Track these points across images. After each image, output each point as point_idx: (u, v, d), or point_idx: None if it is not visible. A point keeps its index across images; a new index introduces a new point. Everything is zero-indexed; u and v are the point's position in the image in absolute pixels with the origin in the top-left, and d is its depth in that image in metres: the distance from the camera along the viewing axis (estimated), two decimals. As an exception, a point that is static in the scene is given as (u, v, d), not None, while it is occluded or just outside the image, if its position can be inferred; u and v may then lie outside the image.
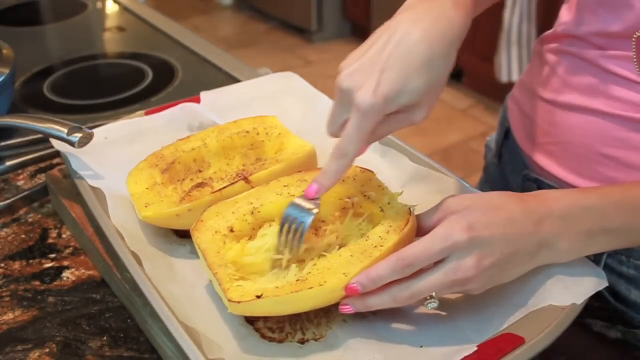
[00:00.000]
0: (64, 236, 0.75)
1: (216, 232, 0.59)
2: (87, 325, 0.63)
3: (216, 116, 0.83)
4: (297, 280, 0.53)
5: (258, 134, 0.75)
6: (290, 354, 0.54)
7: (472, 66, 3.07)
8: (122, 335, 0.62)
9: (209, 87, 0.88)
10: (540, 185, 0.77)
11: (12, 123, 0.78)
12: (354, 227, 0.61)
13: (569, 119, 0.71)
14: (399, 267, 0.52)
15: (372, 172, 0.65)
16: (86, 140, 0.72)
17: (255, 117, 0.77)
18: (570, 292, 0.55)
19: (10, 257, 0.72)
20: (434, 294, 0.53)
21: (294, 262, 0.57)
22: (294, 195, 0.62)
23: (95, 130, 0.75)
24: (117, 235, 0.62)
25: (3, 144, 0.91)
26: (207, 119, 0.82)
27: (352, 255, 0.55)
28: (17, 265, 0.71)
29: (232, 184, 0.66)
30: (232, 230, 0.60)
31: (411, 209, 0.59)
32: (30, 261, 0.72)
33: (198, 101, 0.85)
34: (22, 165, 0.89)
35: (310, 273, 0.54)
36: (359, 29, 3.81)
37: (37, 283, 0.69)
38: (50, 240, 0.75)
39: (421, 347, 0.54)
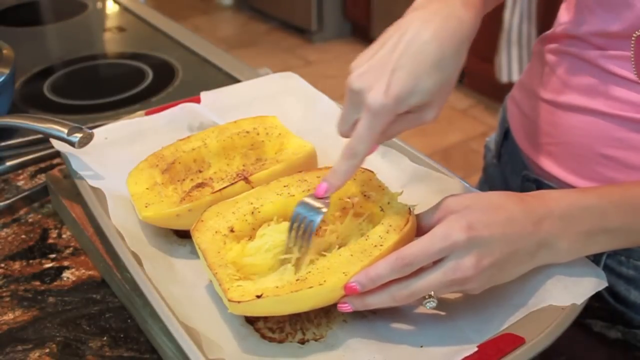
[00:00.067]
0: (64, 236, 0.75)
1: (216, 232, 0.59)
2: (87, 325, 0.63)
3: (216, 116, 0.83)
4: (297, 280, 0.53)
5: (258, 134, 0.75)
6: (290, 354, 0.54)
7: (472, 66, 3.07)
8: (122, 335, 0.62)
9: (209, 87, 0.88)
10: (539, 186, 0.77)
11: (12, 123, 0.78)
12: (353, 227, 0.61)
13: (568, 119, 0.71)
14: (398, 266, 0.52)
15: (372, 172, 0.65)
16: (86, 140, 0.72)
17: (255, 117, 0.77)
18: (570, 292, 0.55)
19: (10, 257, 0.72)
20: (432, 293, 0.53)
21: (303, 261, 0.57)
22: (294, 195, 0.62)
23: (95, 130, 0.75)
24: (117, 235, 0.62)
25: (3, 144, 0.91)
26: (207, 119, 0.82)
27: (351, 255, 0.55)
28: (17, 265, 0.71)
29: (232, 184, 0.66)
30: (232, 230, 0.60)
31: (411, 209, 0.59)
32: (30, 261, 0.72)
33: (198, 101, 0.85)
34: (22, 165, 0.89)
35: (310, 272, 0.54)
36: (359, 29, 3.81)
37: (37, 283, 0.69)
38: (50, 240, 0.75)
39: (421, 347, 0.54)
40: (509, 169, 0.86)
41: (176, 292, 0.58)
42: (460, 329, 0.55)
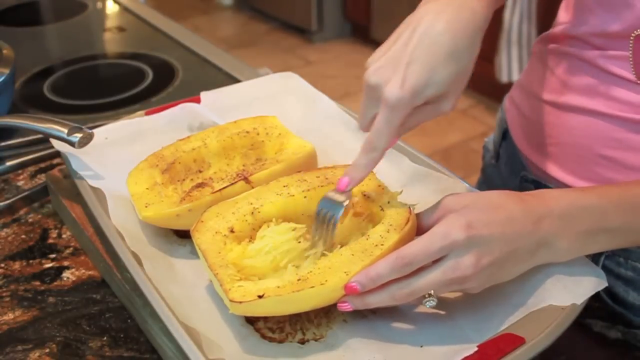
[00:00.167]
0: (64, 236, 0.76)
1: (216, 232, 0.59)
2: (87, 325, 0.63)
3: (216, 116, 0.83)
4: (298, 280, 0.53)
5: (258, 134, 0.75)
6: (290, 354, 0.54)
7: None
8: (122, 335, 0.62)
9: (209, 87, 0.88)
10: (537, 187, 0.76)
11: (12, 123, 0.78)
12: (354, 227, 0.61)
13: (567, 119, 0.71)
14: (398, 266, 0.52)
15: (372, 171, 0.65)
16: (86, 140, 0.72)
17: (255, 117, 0.77)
18: (570, 292, 0.55)
19: (10, 257, 0.72)
20: (432, 292, 0.53)
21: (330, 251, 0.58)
22: (293, 195, 0.62)
23: (95, 130, 0.75)
24: (117, 235, 0.62)
25: (3, 144, 0.91)
26: (207, 119, 0.82)
27: (352, 254, 0.55)
28: (17, 265, 0.71)
29: (232, 184, 0.66)
30: (232, 231, 0.60)
31: (411, 208, 0.59)
32: (30, 261, 0.72)
33: (198, 101, 0.85)
34: (22, 165, 0.89)
35: (311, 272, 0.54)
36: (359, 29, 3.81)
37: (37, 283, 0.69)
38: (50, 240, 0.75)
39: (421, 346, 0.54)
40: (508, 169, 0.86)
41: (176, 292, 0.58)
42: (460, 329, 0.55)
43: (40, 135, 0.89)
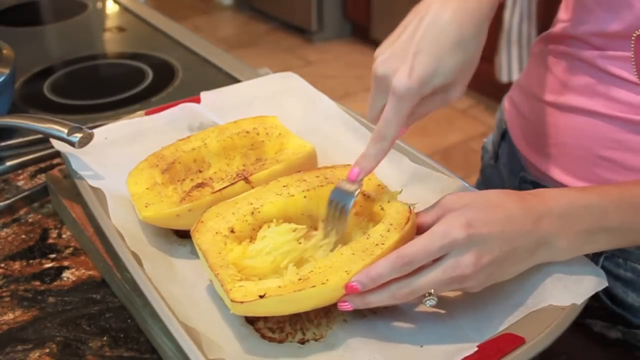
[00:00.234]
0: (64, 236, 0.76)
1: (216, 232, 0.59)
2: (87, 325, 0.63)
3: (216, 116, 0.83)
4: (299, 279, 0.53)
5: (258, 134, 0.75)
6: (290, 354, 0.54)
7: (472, 66, 3.07)
8: (122, 335, 0.62)
9: (209, 87, 0.88)
10: (536, 188, 0.76)
11: (12, 123, 0.78)
12: (354, 226, 0.61)
13: (566, 120, 0.71)
14: (398, 265, 0.52)
15: (372, 171, 0.65)
16: (86, 140, 0.72)
17: (255, 117, 0.77)
18: (570, 291, 0.55)
19: (10, 257, 0.72)
20: (432, 291, 0.53)
21: (340, 243, 0.59)
22: (293, 195, 0.62)
23: (95, 130, 0.75)
24: (117, 235, 0.62)
25: (3, 144, 0.91)
26: (207, 119, 0.82)
27: (353, 254, 0.55)
28: (17, 265, 0.71)
29: (232, 184, 0.66)
30: (232, 231, 0.60)
31: (411, 207, 0.59)
32: (30, 261, 0.72)
33: (198, 101, 0.85)
34: (22, 165, 0.89)
35: (312, 272, 0.54)
36: (359, 29, 3.81)
37: (37, 283, 0.69)
38: (50, 240, 0.75)
39: (421, 346, 0.54)
40: (507, 170, 0.86)
41: (176, 292, 0.58)
42: (460, 328, 0.55)
43: (40, 135, 0.89)
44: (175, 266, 0.63)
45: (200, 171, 0.72)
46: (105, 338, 0.62)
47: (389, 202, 0.61)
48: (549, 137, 0.73)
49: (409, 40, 0.55)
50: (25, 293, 0.67)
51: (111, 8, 1.55)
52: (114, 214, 0.65)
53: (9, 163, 0.88)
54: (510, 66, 2.68)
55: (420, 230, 0.57)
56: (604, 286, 0.56)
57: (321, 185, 0.63)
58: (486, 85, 3.07)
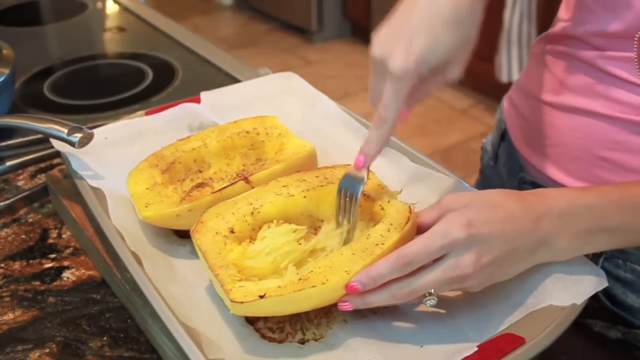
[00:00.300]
0: (64, 236, 0.76)
1: (216, 233, 0.59)
2: (87, 325, 0.63)
3: (216, 116, 0.83)
4: (299, 279, 0.53)
5: (258, 134, 0.75)
6: (290, 354, 0.54)
7: (472, 66, 3.04)
8: (122, 335, 0.62)
9: (209, 87, 0.88)
10: (536, 188, 0.76)
11: (12, 123, 0.78)
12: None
13: (566, 120, 0.71)
14: (399, 265, 0.52)
15: (372, 171, 0.65)
16: (86, 140, 0.72)
17: (255, 117, 0.77)
18: (570, 291, 0.55)
19: (10, 257, 0.72)
20: (432, 290, 0.53)
21: (353, 231, 0.59)
22: (293, 195, 0.62)
23: (95, 130, 0.75)
24: (117, 235, 0.62)
25: (3, 144, 0.91)
26: (207, 119, 0.82)
27: (353, 253, 0.55)
28: (17, 265, 0.71)
29: (232, 184, 0.66)
30: (232, 231, 0.60)
31: (411, 207, 0.59)
32: (30, 261, 0.72)
33: (198, 101, 0.85)
34: (22, 165, 0.89)
35: (312, 271, 0.54)
36: (359, 29, 3.81)
37: (37, 283, 0.69)
38: (50, 240, 0.75)
39: (421, 346, 0.54)
40: (506, 170, 0.86)
41: (176, 292, 0.58)
42: (460, 328, 0.55)
43: (40, 135, 0.89)
44: (175, 266, 0.63)
45: (200, 171, 0.72)
46: (105, 338, 0.62)
47: (389, 201, 0.61)
48: (549, 137, 0.73)
49: (405, 22, 0.56)
50: (25, 293, 0.67)
51: (111, 8, 1.55)
52: (114, 214, 0.65)
53: (9, 163, 0.88)
54: (510, 66, 2.68)
55: (420, 230, 0.57)
56: (604, 286, 0.56)
57: (321, 185, 0.63)
58: (486, 85, 3.07)
